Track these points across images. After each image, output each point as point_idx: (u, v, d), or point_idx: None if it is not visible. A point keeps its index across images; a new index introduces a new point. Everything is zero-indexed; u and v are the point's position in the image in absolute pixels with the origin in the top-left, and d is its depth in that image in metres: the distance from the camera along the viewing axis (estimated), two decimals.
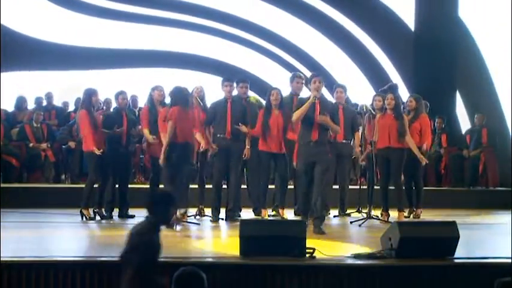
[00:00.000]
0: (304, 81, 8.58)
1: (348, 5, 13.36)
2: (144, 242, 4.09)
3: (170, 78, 11.07)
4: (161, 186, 8.33)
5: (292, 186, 8.62)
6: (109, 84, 10.62)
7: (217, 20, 13.28)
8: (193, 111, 7.87)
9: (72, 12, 12.90)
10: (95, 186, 8.16)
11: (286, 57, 13.47)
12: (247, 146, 8.20)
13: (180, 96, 7.67)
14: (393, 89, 9.13)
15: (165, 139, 7.58)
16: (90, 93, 8.18)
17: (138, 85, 11.19)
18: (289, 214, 8.36)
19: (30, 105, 11.81)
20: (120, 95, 8.47)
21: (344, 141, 8.53)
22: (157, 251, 4.19)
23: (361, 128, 8.62)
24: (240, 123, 8.13)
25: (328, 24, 13.37)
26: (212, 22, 13.28)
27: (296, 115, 7.15)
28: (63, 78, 12.75)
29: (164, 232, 7.02)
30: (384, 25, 13.26)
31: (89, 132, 8.06)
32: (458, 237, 5.50)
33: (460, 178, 11.43)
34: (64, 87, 12.51)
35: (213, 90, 8.89)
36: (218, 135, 8.24)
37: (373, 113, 8.47)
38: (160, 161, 7.52)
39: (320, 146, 7.06)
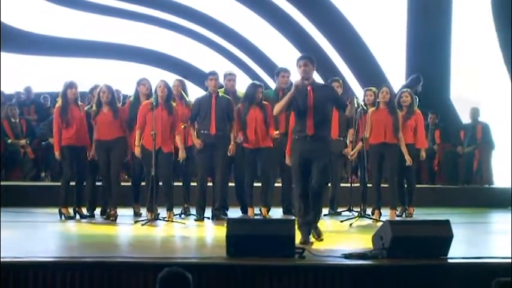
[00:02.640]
0: (289, 75, 8.31)
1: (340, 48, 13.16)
2: None
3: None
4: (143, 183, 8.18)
5: (279, 184, 8.45)
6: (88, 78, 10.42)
7: (178, 15, 13.27)
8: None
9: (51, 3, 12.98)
10: (71, 183, 7.96)
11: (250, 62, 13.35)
12: (232, 142, 7.99)
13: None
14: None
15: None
16: (66, 86, 7.92)
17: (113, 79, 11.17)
18: (277, 213, 8.20)
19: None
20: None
21: (338, 138, 8.25)
22: None
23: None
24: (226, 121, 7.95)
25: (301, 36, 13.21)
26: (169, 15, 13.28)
27: (276, 108, 6.49)
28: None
29: (148, 232, 7.01)
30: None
31: (57, 127, 7.86)
32: (452, 236, 5.42)
33: (454, 175, 11.22)
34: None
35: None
36: (202, 131, 8.03)
37: (365, 108, 8.29)
38: (91, 155, 7.91)
39: (317, 141, 6.26)
